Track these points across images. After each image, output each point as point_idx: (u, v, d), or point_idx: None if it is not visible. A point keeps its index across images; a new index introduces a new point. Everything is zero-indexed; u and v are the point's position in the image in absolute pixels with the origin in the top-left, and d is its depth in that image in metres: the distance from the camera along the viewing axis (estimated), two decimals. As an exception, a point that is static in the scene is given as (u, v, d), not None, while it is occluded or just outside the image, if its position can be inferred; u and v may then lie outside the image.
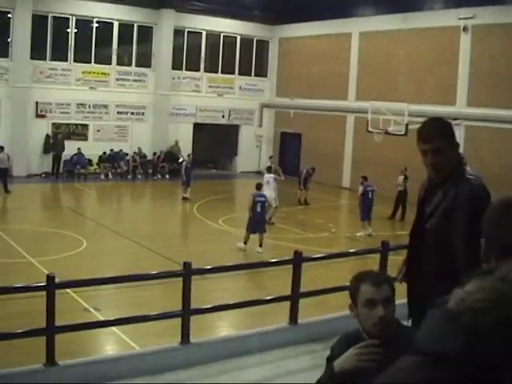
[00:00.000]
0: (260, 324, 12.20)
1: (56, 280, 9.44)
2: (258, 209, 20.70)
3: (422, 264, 4.98)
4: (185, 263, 10.49)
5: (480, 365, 1.98)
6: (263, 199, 21.15)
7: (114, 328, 12.34)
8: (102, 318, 13.05)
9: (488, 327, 1.99)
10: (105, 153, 37.56)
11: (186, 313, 10.37)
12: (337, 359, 3.76)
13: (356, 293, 3.90)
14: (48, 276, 9.40)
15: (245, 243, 20.75)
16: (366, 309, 3.83)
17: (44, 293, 9.47)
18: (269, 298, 12.75)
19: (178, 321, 10.55)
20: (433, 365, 2.04)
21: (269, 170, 27.67)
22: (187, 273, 10.40)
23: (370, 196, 24.90)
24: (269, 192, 25.39)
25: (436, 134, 4.58)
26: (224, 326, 14.13)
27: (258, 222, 20.66)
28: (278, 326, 11.72)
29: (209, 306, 11.69)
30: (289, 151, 42.75)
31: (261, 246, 20.46)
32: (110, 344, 12.71)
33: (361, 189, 25.06)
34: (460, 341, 2.01)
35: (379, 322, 3.78)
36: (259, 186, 22.05)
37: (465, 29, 31.52)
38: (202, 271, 12.63)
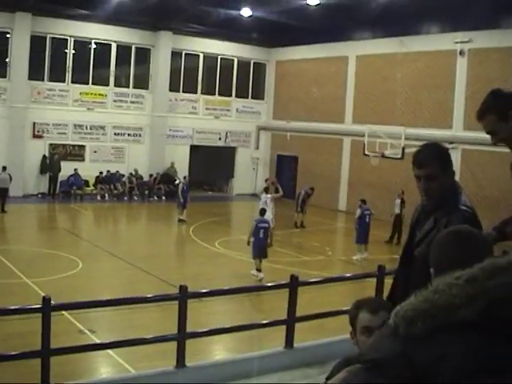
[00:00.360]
0: (256, 348, 12.15)
1: (52, 302, 9.41)
2: (261, 235, 20.42)
3: (407, 289, 4.96)
4: (181, 287, 10.45)
5: (419, 369, 2.14)
6: (266, 225, 20.86)
7: (109, 350, 12.29)
8: (97, 340, 13.00)
9: (420, 334, 2.16)
10: (101, 172, 37.54)
11: (182, 336, 10.32)
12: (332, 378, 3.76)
13: (354, 320, 3.90)
14: (44, 298, 9.37)
15: (257, 270, 20.17)
16: (363, 336, 3.81)
17: (40, 314, 9.44)
18: (265, 321, 12.70)
19: (173, 344, 10.51)
20: (370, 371, 2.23)
21: (266, 190, 27.70)
22: (183, 296, 10.36)
23: (367, 220, 24.84)
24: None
25: (430, 160, 4.51)
26: (219, 350, 14.08)
27: (260, 248, 20.48)
28: (273, 350, 11.67)
29: (204, 330, 11.66)
30: (285, 174, 42.78)
31: (260, 270, 20.21)
32: (106, 367, 12.64)
33: (358, 212, 25.03)
34: (396, 347, 2.20)
35: None
36: (263, 212, 21.74)
37: (461, 52, 31.67)
38: (197, 295, 12.59)
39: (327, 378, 3.99)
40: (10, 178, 32.00)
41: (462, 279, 2.27)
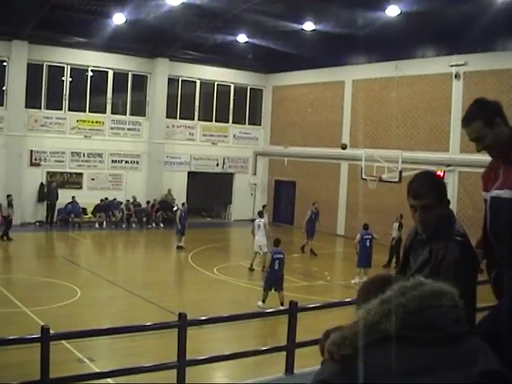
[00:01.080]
0: (257, 374, 12.07)
1: (51, 331, 9.35)
2: (276, 266, 19.90)
3: None
4: (180, 314, 10.39)
5: (356, 380, 2.60)
6: (281, 256, 20.34)
7: (109, 379, 12.21)
8: (96, 369, 12.92)
9: (349, 354, 2.66)
10: (102, 200, 37.54)
11: (182, 363, 10.25)
12: None
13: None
14: (42, 328, 9.30)
15: (263, 301, 19.72)
16: None
17: (38, 344, 9.38)
18: (264, 348, 12.64)
19: (173, 371, 10.44)
20: None
21: (260, 214, 27.67)
22: (182, 324, 10.30)
23: (368, 244, 24.76)
24: (259, 237, 25.56)
25: (426, 191, 4.46)
26: (220, 376, 14.00)
27: (276, 279, 20.14)
28: (274, 376, 11.59)
29: (204, 357, 11.57)
30: (283, 199, 42.84)
31: (282, 304, 18.90)
32: (105, 396, 12.56)
33: (358, 237, 24.99)
34: (335, 368, 2.75)
35: None
36: (277, 243, 20.98)
37: (457, 76, 31.81)
38: (197, 322, 12.50)
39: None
40: (11, 206, 32.21)
41: (378, 302, 2.71)
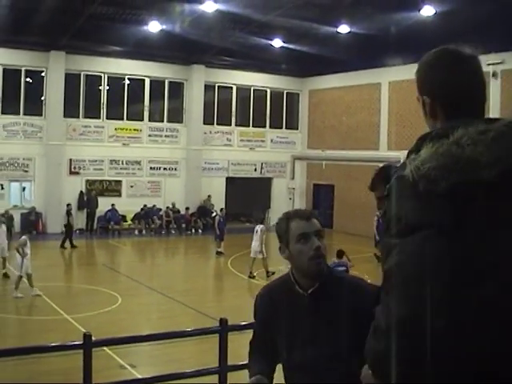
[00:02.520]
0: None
1: (93, 338, 9.38)
2: None
3: None
4: (221, 320, 10.37)
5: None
6: (344, 269, 20.13)
7: (150, 385, 12.22)
8: (138, 375, 12.95)
9: (442, 192, 2.18)
10: (142, 209, 37.78)
11: (223, 369, 10.22)
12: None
13: (287, 231, 3.82)
14: (85, 334, 9.34)
15: None
16: (299, 244, 3.76)
17: (80, 350, 9.41)
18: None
19: (214, 377, 10.41)
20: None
21: (261, 220, 28.01)
22: (223, 329, 10.27)
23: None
24: (254, 242, 25.54)
25: (378, 183, 4.49)
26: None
27: None
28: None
29: (246, 362, 11.52)
30: (322, 203, 42.64)
31: None
32: (147, 402, 12.57)
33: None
34: (416, 205, 2.26)
35: (315, 254, 3.71)
36: (340, 254, 20.52)
37: (494, 74, 31.46)
38: (238, 327, 12.47)
39: (255, 318, 4.17)
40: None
41: (488, 136, 2.25)
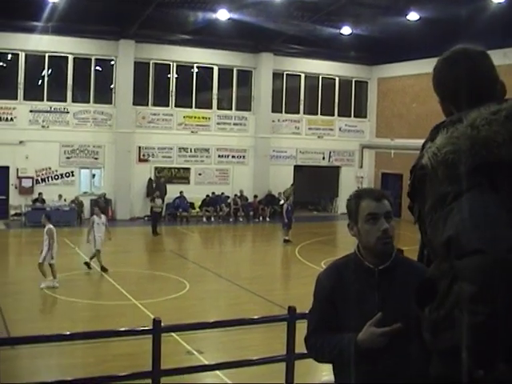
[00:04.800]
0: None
1: (162, 324, 9.45)
2: None
3: None
4: (289, 308, 10.33)
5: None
6: None
7: (217, 371, 12.28)
8: (205, 361, 13.01)
9: (458, 175, 2.22)
10: (208, 196, 37.95)
11: (291, 357, 10.19)
12: (359, 335, 3.68)
13: (356, 209, 3.84)
14: (154, 320, 9.41)
15: None
16: (368, 224, 3.79)
17: (148, 335, 9.49)
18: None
19: (281, 365, 10.39)
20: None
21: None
22: (292, 318, 10.23)
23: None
24: None
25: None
26: (328, 370, 13.87)
27: None
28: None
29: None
30: (390, 192, 42.25)
31: None
32: (214, 387, 12.65)
33: None
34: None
35: (383, 235, 3.74)
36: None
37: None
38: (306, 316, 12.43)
39: (315, 293, 4.17)
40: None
41: (501, 115, 2.30)
